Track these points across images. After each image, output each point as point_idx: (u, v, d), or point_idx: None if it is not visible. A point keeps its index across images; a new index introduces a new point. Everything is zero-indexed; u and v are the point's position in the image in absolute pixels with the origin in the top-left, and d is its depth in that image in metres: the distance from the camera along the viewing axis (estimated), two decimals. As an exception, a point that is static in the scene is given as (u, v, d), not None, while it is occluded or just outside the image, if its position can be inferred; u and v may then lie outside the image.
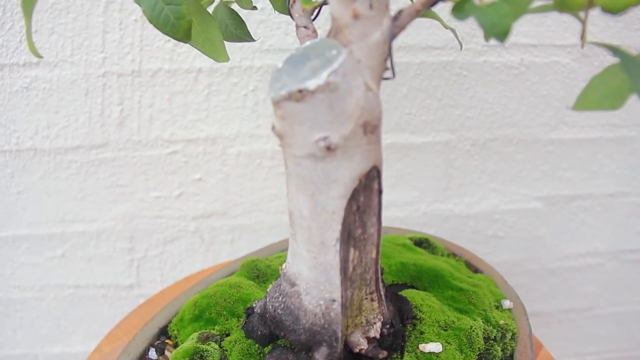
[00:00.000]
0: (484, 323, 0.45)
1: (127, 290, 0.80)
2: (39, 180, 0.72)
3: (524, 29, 0.71)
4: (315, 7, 0.37)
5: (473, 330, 0.43)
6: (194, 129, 0.71)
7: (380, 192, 0.35)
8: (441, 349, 0.41)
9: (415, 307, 0.44)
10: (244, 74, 0.69)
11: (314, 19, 0.38)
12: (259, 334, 0.41)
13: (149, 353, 0.45)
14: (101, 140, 0.71)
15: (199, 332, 0.44)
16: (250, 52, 0.68)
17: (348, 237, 0.35)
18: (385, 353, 0.39)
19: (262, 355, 0.41)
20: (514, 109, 0.75)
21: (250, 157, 0.74)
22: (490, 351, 0.43)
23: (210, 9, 0.43)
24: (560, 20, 0.71)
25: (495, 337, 0.45)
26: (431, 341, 0.42)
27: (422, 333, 0.42)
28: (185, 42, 0.34)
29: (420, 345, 0.41)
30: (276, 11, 0.42)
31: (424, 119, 0.74)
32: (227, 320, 0.45)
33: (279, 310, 0.39)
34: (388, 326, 0.40)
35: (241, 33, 0.44)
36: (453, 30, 0.42)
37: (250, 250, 0.64)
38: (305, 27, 0.37)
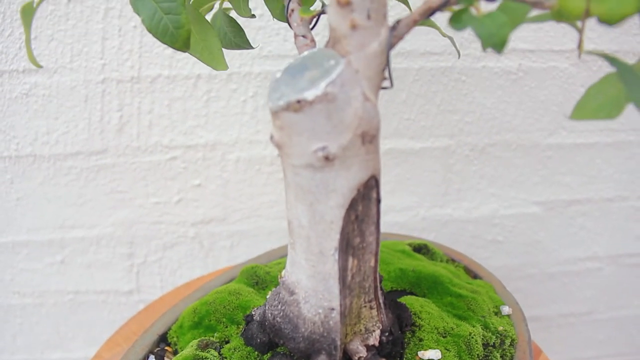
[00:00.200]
0: (483, 329, 0.45)
1: (127, 295, 0.80)
2: (38, 186, 0.72)
3: (522, 34, 0.71)
4: (314, 16, 0.37)
5: (472, 337, 0.43)
6: (193, 135, 0.72)
7: (378, 201, 0.35)
8: (440, 356, 0.41)
9: (414, 314, 0.44)
10: (243, 80, 0.69)
11: (312, 28, 0.38)
12: (259, 341, 0.41)
13: (149, 360, 0.45)
14: (101, 147, 0.71)
15: (199, 339, 0.44)
16: (249, 59, 0.68)
17: (347, 246, 0.35)
18: (384, 361, 0.39)
19: (261, 362, 0.41)
20: (513, 114, 0.75)
21: (250, 163, 0.74)
22: (490, 358, 0.43)
23: (209, 17, 0.43)
24: (558, 25, 0.71)
25: (494, 343, 0.45)
26: (430, 348, 0.42)
27: (421, 340, 0.43)
28: (184, 51, 0.34)
29: (419, 353, 0.41)
30: (275, 18, 0.42)
31: (423, 125, 0.74)
32: (226, 327, 0.45)
33: (278, 318, 0.39)
34: (387, 334, 0.40)
35: (240, 41, 0.44)
36: (451, 39, 0.42)
37: (250, 256, 0.64)
38: (303, 36, 0.37)
